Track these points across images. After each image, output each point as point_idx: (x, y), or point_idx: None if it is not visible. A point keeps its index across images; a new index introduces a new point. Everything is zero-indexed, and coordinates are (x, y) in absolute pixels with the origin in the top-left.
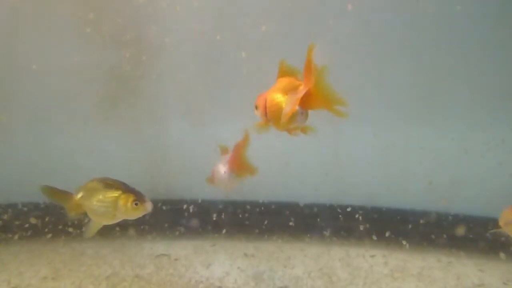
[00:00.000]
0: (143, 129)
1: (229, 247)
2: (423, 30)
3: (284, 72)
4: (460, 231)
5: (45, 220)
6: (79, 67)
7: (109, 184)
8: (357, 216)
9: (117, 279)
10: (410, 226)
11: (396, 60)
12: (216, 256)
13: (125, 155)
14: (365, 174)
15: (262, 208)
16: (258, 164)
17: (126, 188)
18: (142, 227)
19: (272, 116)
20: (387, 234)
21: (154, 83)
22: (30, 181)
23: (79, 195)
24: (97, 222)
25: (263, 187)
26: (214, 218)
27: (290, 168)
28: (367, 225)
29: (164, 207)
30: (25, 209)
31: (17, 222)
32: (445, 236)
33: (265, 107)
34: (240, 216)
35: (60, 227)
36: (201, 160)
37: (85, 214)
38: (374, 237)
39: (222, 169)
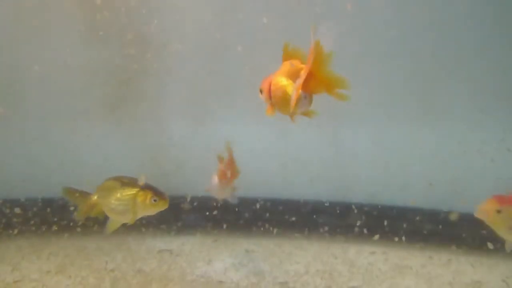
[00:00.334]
0: (144, 127)
1: (230, 243)
2: (422, 30)
3: (289, 54)
4: (460, 229)
5: (49, 215)
6: (82, 65)
7: (126, 182)
8: (357, 213)
9: (120, 273)
10: (409, 223)
11: (396, 60)
12: (218, 252)
13: (127, 152)
14: (365, 172)
15: (263, 204)
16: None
17: (144, 185)
18: (144, 222)
19: (276, 100)
20: (387, 232)
21: (156, 81)
22: (33, 177)
23: (96, 195)
24: (115, 221)
25: (263, 184)
26: (215, 214)
27: (289, 166)
28: (367, 222)
29: None
30: (29, 204)
31: (20, 217)
32: (444, 233)
33: (269, 91)
34: (242, 212)
35: (64, 222)
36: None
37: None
38: (374, 234)
39: (215, 179)
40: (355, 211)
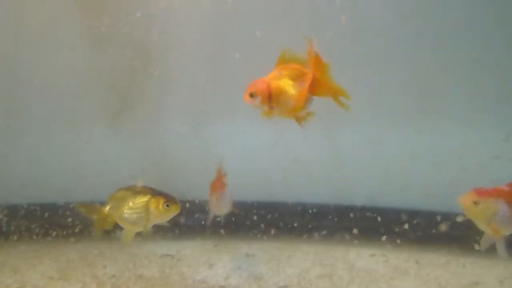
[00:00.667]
0: (144, 131)
1: (231, 247)
2: (422, 30)
3: (286, 59)
4: (458, 231)
5: (50, 220)
6: (82, 70)
7: (137, 190)
8: (357, 215)
9: (122, 279)
10: (409, 225)
11: (395, 61)
12: (218, 256)
13: (128, 156)
14: (364, 174)
15: (264, 208)
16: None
17: (154, 192)
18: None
19: (279, 103)
20: (386, 234)
21: (157, 85)
22: (34, 182)
23: (108, 206)
24: (129, 231)
25: (265, 187)
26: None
27: (288, 168)
28: (367, 225)
29: None
30: (30, 209)
31: (22, 222)
32: (443, 235)
33: (268, 94)
34: (243, 216)
35: (65, 226)
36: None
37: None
38: (374, 237)
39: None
40: (355, 213)
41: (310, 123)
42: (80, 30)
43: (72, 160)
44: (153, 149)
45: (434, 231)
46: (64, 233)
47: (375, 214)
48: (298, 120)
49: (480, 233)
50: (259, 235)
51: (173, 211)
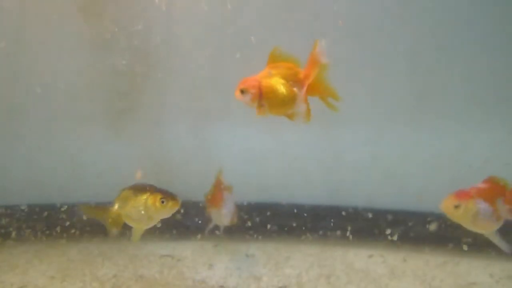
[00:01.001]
0: (145, 131)
1: (230, 248)
2: (421, 30)
3: (276, 58)
4: (456, 231)
5: (51, 220)
6: (83, 72)
7: (139, 189)
8: (355, 216)
9: (122, 279)
10: (407, 226)
11: (395, 62)
12: (218, 257)
13: (128, 156)
14: (363, 175)
15: (263, 209)
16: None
17: (153, 189)
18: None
19: (270, 101)
20: (385, 234)
21: (157, 85)
22: (34, 182)
23: (116, 206)
24: (137, 229)
25: (264, 188)
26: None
27: (287, 169)
28: (365, 225)
29: None
30: (30, 209)
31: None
32: (440, 236)
33: (259, 92)
34: (242, 217)
35: (66, 227)
36: (201, 161)
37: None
38: (372, 237)
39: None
40: (353, 214)
41: (308, 121)
42: (80, 31)
43: (72, 161)
44: (153, 150)
45: (432, 232)
46: (64, 233)
47: (373, 215)
48: (290, 117)
49: (479, 234)
50: (257, 236)
51: (170, 208)
